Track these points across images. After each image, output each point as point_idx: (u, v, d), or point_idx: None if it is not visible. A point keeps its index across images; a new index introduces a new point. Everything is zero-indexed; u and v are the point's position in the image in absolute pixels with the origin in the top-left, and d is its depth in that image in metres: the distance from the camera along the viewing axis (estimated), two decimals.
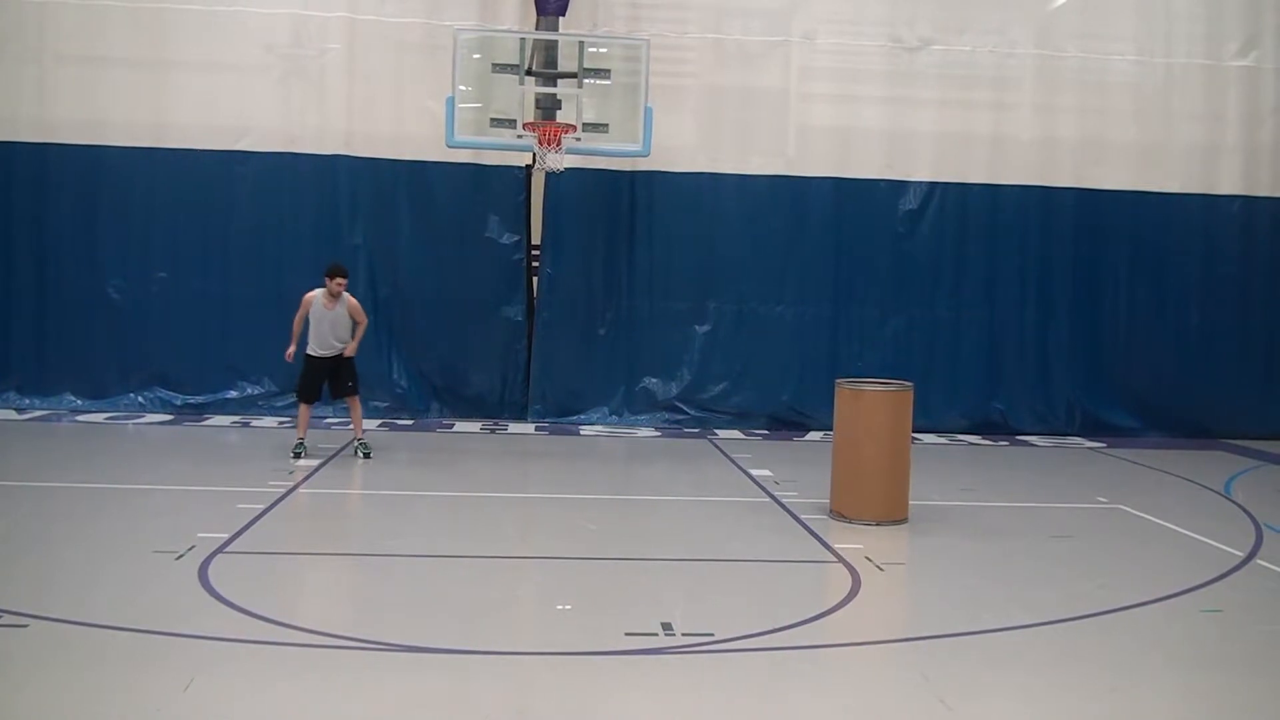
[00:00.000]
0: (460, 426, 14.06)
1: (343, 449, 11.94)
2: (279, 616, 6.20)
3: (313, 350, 11.41)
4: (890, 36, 14.94)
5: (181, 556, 7.34)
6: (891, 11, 14.97)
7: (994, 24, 15.05)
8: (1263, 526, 9.63)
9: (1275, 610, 7.27)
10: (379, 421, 13.97)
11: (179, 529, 8.04)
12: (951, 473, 12.04)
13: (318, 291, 11.35)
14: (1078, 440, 14.74)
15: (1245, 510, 10.39)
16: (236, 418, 13.93)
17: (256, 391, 14.34)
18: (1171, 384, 15.23)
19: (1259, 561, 8.39)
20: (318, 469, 10.86)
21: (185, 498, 9.35)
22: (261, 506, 8.98)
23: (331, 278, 11.25)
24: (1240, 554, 8.59)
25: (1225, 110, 15.41)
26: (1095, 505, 10.49)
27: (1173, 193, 15.26)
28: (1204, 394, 15.23)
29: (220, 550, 7.57)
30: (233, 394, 14.31)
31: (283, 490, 9.69)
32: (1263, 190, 15.47)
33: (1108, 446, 14.30)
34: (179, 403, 14.20)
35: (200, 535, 7.86)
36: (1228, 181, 15.42)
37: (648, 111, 12.53)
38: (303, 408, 11.64)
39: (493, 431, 13.86)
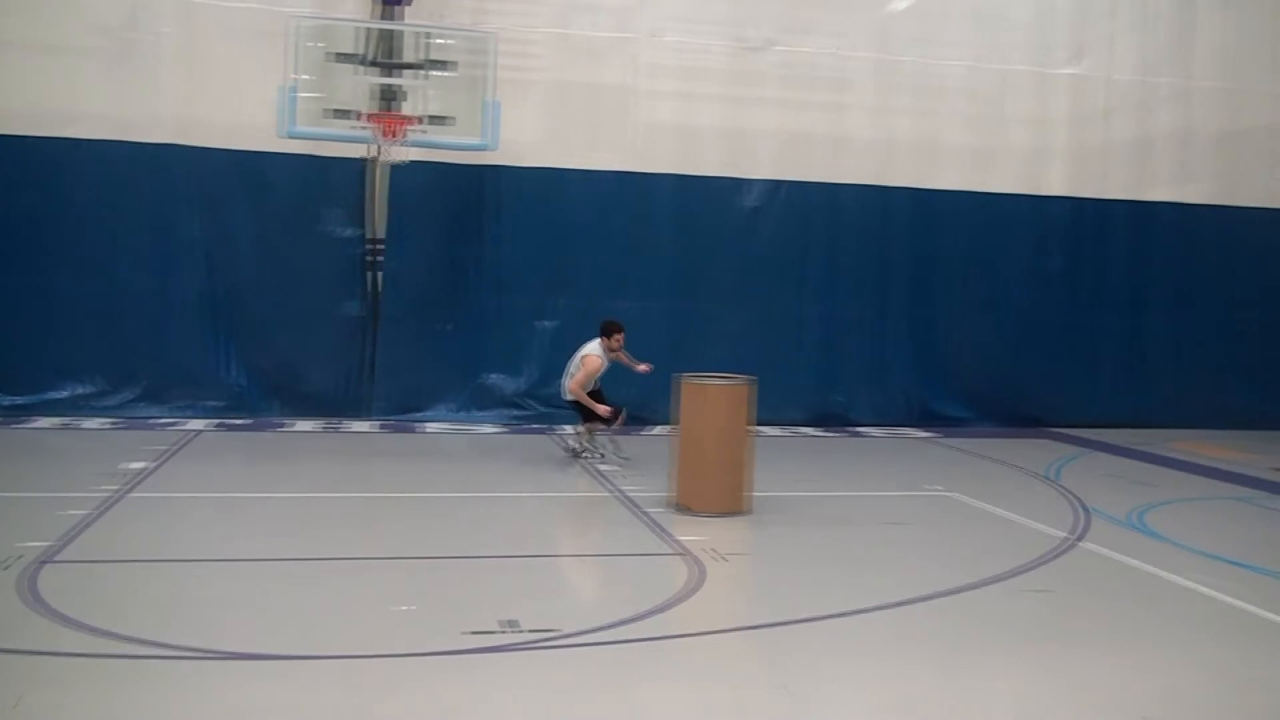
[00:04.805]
0: (299, 425, 13.73)
1: (173, 450, 11.56)
2: (111, 628, 5.93)
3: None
4: (734, 36, 15.15)
5: (8, 567, 6.96)
6: (735, 11, 15.19)
7: (834, 27, 15.41)
8: (1087, 510, 10.07)
9: (1100, 589, 7.59)
10: (215, 421, 13.55)
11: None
12: (792, 464, 12.28)
13: (601, 351, 11.68)
14: (911, 431, 15.20)
15: (1070, 495, 10.86)
16: (63, 419, 13.32)
17: (85, 391, 13.71)
18: (1002, 376, 15.85)
19: (1084, 544, 8.77)
20: (150, 471, 10.45)
21: (6, 505, 8.88)
22: (89, 512, 8.58)
23: (610, 335, 11.72)
24: (1065, 536, 8.97)
25: (1054, 115, 16.13)
26: (929, 493, 10.82)
27: (1004, 193, 15.87)
28: (1032, 385, 15.91)
29: (46, 560, 7.21)
30: (59, 394, 13.68)
31: (112, 494, 9.30)
32: (1089, 192, 16.22)
33: (941, 436, 14.77)
34: (5, 404, 13.47)
35: (23, 544, 7.46)
36: (1055, 183, 16.14)
37: (493, 105, 12.44)
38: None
39: (332, 430, 13.58)
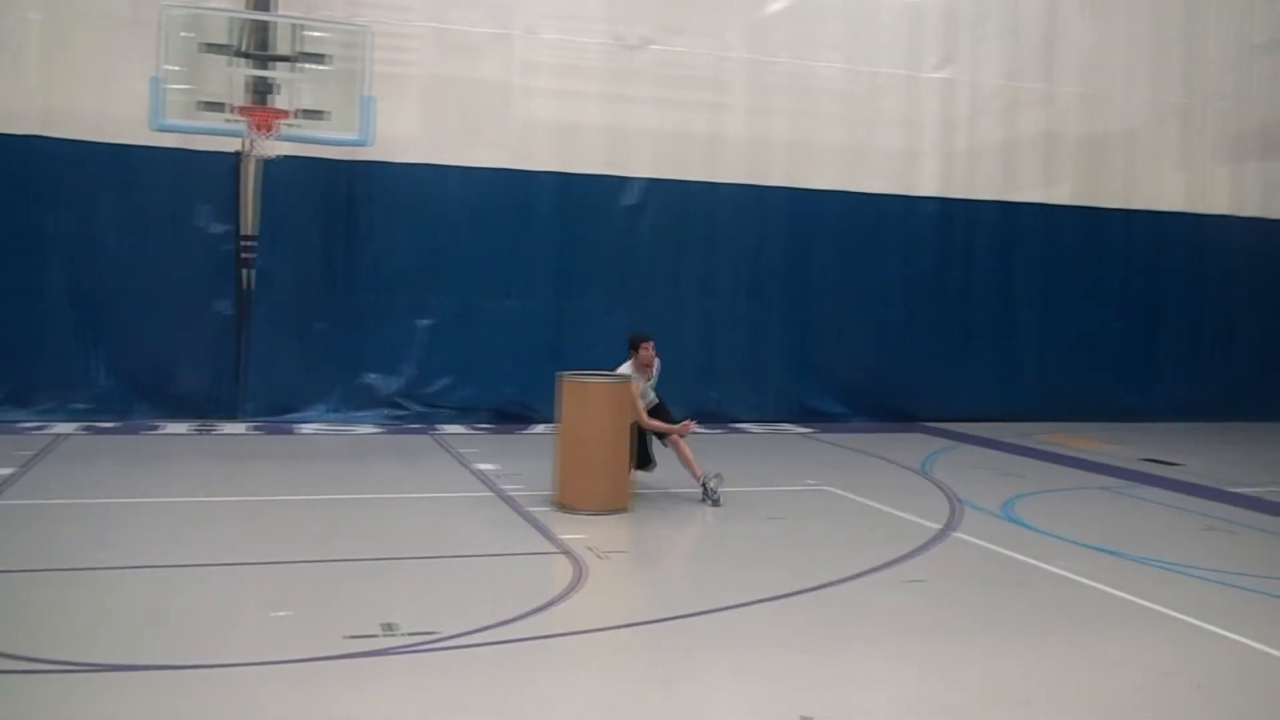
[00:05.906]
0: (168, 428, 13.34)
1: (39, 455, 11.14)
2: None
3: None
4: (610, 34, 15.19)
5: None
6: (612, 10, 15.22)
7: (710, 27, 15.55)
8: (957, 501, 10.33)
9: (971, 578, 7.78)
10: (82, 424, 13.10)
11: None
12: (672, 461, 12.30)
13: (633, 370, 9.91)
14: (788, 427, 15.41)
15: (941, 487, 11.12)
16: None
17: None
18: (875, 371, 16.19)
19: (955, 534, 9.00)
20: (15, 478, 10.04)
21: None
22: None
23: (636, 348, 9.98)
24: (938, 527, 9.19)
25: (924, 118, 16.53)
26: (805, 487, 10.99)
27: (876, 193, 16.20)
28: (905, 381, 16.28)
29: None
30: None
31: None
32: (957, 193, 16.67)
33: (817, 432, 15.01)
34: None
35: None
36: (925, 184, 16.57)
37: (368, 100, 12.25)
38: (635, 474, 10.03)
39: (203, 432, 13.23)
